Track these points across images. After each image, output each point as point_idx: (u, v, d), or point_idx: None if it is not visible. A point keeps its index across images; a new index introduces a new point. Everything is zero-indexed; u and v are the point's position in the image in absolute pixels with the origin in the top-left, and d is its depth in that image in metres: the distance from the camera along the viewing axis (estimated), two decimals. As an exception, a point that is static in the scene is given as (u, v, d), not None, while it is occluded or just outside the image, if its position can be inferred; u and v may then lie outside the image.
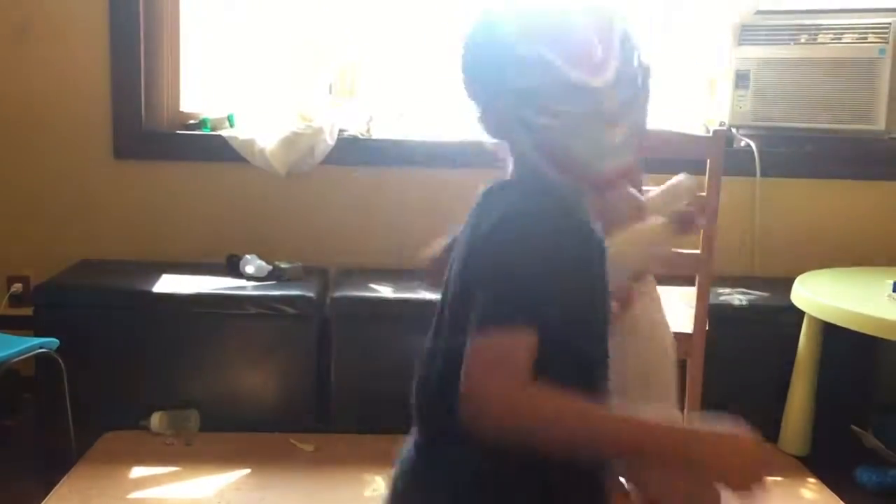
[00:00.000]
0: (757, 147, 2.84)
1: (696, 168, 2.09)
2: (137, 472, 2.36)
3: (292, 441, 2.51)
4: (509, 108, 0.98)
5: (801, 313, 2.49)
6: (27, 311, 2.61)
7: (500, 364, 0.89)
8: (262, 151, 2.74)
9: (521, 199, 1.00)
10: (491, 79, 0.99)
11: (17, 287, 2.85)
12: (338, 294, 2.61)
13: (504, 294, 0.91)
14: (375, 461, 2.22)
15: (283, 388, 2.58)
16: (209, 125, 2.87)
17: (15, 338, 2.29)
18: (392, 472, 1.07)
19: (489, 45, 1.00)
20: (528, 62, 0.96)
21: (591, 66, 0.96)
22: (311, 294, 2.58)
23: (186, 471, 2.36)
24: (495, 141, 1.03)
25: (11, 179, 2.88)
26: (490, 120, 1.02)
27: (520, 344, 0.88)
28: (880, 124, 2.77)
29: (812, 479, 2.44)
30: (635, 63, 0.99)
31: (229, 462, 2.39)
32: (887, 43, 2.74)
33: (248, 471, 2.37)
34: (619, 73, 0.97)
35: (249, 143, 2.77)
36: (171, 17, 2.90)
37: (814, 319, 2.46)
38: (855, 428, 2.55)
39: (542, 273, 0.91)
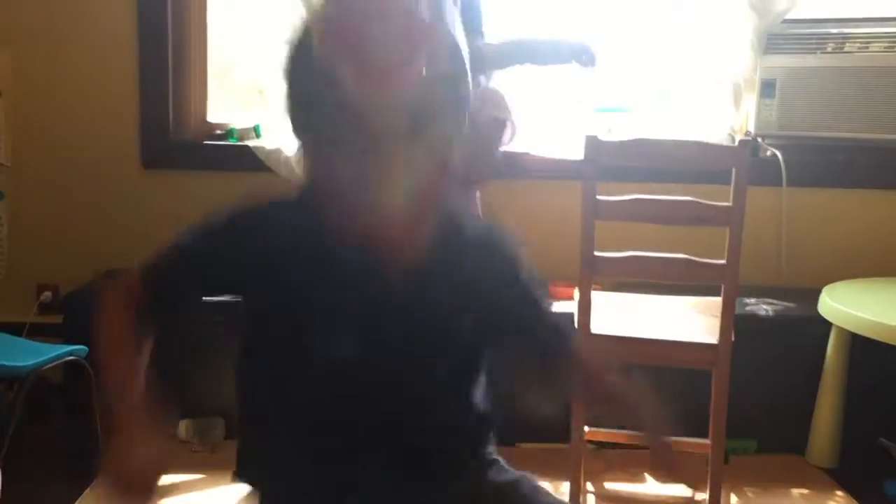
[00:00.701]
0: (783, 156, 2.82)
1: (722, 177, 2.08)
2: (164, 478, 2.36)
3: (317, 449, 2.52)
4: (295, 106, 1.00)
5: (828, 324, 2.47)
6: (57, 318, 2.64)
7: None
8: (287, 161, 2.76)
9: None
10: (288, 73, 0.98)
11: (46, 295, 2.88)
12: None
13: None
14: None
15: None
16: (236, 135, 2.90)
17: (44, 345, 2.32)
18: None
19: (299, 32, 0.97)
20: (315, 60, 0.91)
21: (376, 81, 0.89)
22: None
23: (212, 478, 2.38)
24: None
25: (41, 189, 2.92)
26: (290, 115, 1.02)
27: None
28: (908, 133, 2.74)
29: (840, 492, 2.41)
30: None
31: (254, 470, 2.40)
32: (915, 51, 2.72)
33: (272, 479, 2.38)
34: (412, 97, 0.89)
35: (275, 153, 2.79)
36: (198, 27, 2.93)
37: (841, 330, 2.44)
38: (883, 440, 2.52)
39: None
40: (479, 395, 1.13)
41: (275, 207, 1.06)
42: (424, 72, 0.89)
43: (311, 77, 0.92)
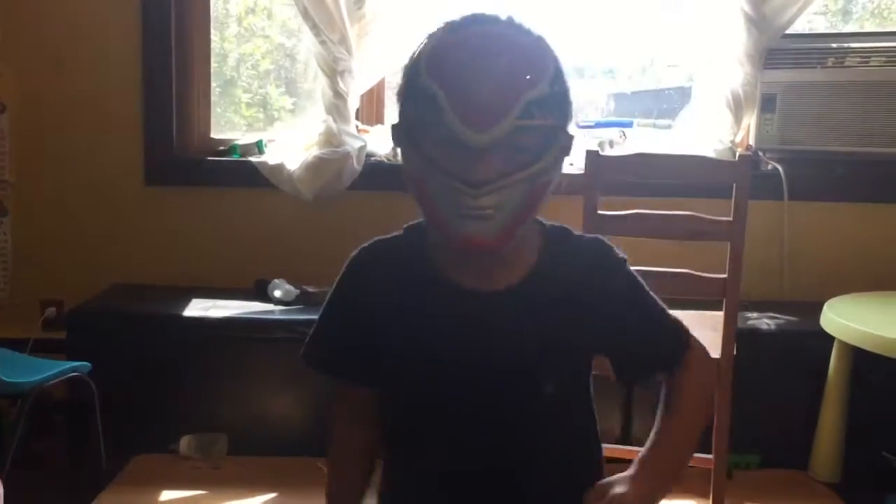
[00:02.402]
0: (784, 170, 2.82)
1: (723, 192, 2.09)
2: (167, 495, 2.38)
3: (320, 465, 2.51)
4: (402, 129, 1.04)
5: (830, 338, 2.46)
6: (60, 334, 2.64)
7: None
8: (290, 177, 2.77)
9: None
10: (402, 96, 1.04)
11: (50, 311, 2.89)
12: (365, 318, 2.62)
13: None
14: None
15: (311, 412, 2.59)
16: (238, 151, 2.91)
17: (48, 361, 2.33)
18: None
19: (413, 59, 1.03)
20: (423, 92, 0.96)
21: (477, 124, 0.93)
22: (338, 318, 2.59)
23: (215, 494, 2.38)
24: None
25: (45, 205, 2.94)
26: (395, 134, 1.06)
27: None
28: (909, 147, 2.75)
29: (843, 507, 2.41)
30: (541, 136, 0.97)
31: (257, 486, 2.41)
32: (915, 66, 2.73)
33: (275, 494, 2.38)
34: (510, 140, 0.94)
35: (278, 169, 2.80)
36: (201, 45, 2.95)
37: (844, 344, 2.44)
38: (887, 455, 2.51)
39: None
40: (589, 426, 1.16)
41: (385, 250, 1.14)
42: (525, 112, 0.93)
43: (416, 104, 0.98)
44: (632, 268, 1.13)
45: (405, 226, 1.13)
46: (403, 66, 1.02)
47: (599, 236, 1.15)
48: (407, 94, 1.01)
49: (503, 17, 1.00)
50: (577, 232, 1.13)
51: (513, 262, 1.05)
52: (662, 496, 1.04)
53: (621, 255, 1.12)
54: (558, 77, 0.98)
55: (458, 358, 1.02)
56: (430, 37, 1.00)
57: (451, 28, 0.99)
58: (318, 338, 1.17)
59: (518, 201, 0.96)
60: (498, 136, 0.92)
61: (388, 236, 1.14)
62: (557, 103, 0.98)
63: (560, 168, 1.02)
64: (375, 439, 1.16)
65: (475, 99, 0.92)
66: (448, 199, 0.96)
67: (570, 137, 1.02)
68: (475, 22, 0.99)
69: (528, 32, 0.99)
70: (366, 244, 1.15)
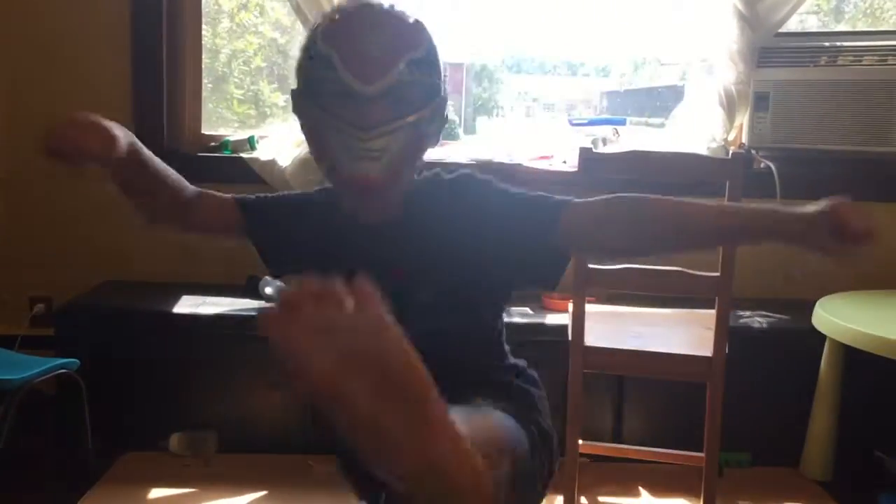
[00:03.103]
0: (777, 169, 2.83)
1: (716, 190, 2.09)
2: (156, 493, 2.36)
3: (310, 462, 2.51)
4: (299, 91, 1.23)
5: (822, 337, 2.47)
6: (49, 331, 2.63)
7: None
8: (281, 173, 2.76)
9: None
10: (299, 63, 1.22)
11: (39, 308, 2.88)
12: (356, 315, 2.61)
13: None
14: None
15: (302, 410, 2.58)
16: (230, 148, 2.90)
17: (36, 358, 2.31)
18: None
19: (310, 32, 1.20)
20: (319, 55, 1.15)
21: (365, 77, 1.11)
22: (329, 315, 2.58)
23: (204, 492, 2.36)
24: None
25: (34, 202, 2.92)
26: (294, 97, 1.25)
27: None
28: (901, 146, 2.76)
29: (835, 505, 2.41)
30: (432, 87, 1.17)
31: (247, 483, 2.40)
32: (907, 65, 2.73)
33: (265, 492, 2.37)
34: (393, 92, 1.12)
35: (269, 165, 2.79)
36: (193, 39, 2.94)
37: (836, 343, 2.44)
38: (878, 453, 2.52)
39: None
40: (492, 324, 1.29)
41: (316, 194, 1.36)
42: (405, 69, 1.12)
43: (313, 65, 1.16)
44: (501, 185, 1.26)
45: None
46: (303, 44, 1.21)
47: (467, 171, 1.28)
48: (305, 61, 1.19)
49: (387, 4, 1.19)
50: (449, 171, 1.30)
51: (396, 200, 1.24)
52: None
53: (486, 177, 1.26)
54: (432, 45, 1.18)
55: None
56: (325, 16, 1.19)
57: (342, 8, 1.19)
58: (256, 194, 1.41)
59: (401, 146, 1.14)
60: (384, 87, 1.11)
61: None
62: (433, 66, 1.17)
63: (438, 125, 1.22)
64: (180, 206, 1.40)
65: (364, 57, 1.12)
66: (342, 144, 1.13)
67: (444, 100, 1.22)
68: (364, 5, 1.18)
69: (407, 13, 1.19)
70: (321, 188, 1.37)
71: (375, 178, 1.14)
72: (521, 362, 1.37)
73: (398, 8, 1.19)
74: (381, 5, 1.18)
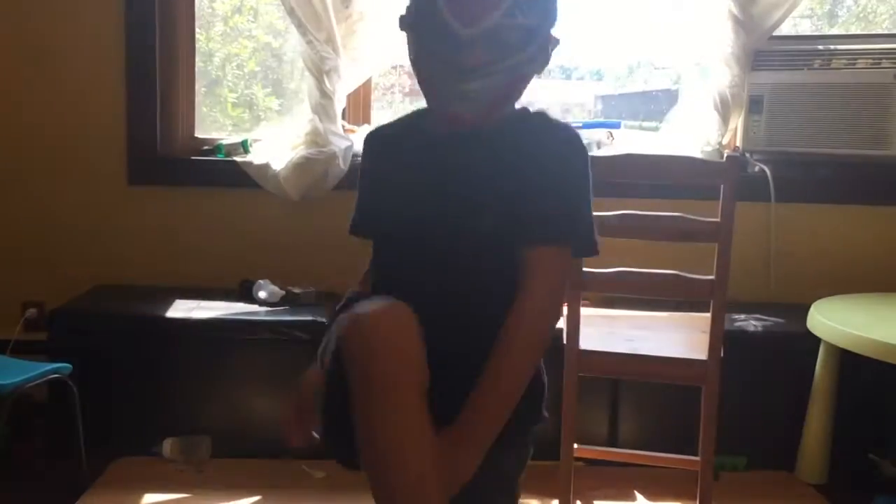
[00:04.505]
0: (771, 172, 2.83)
1: (710, 193, 2.09)
2: (149, 498, 2.35)
3: (304, 467, 2.49)
4: (407, 22, 1.24)
5: (817, 340, 2.47)
6: (41, 336, 2.61)
7: None
8: (275, 177, 2.75)
9: None
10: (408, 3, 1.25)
11: (31, 312, 2.86)
12: (350, 319, 2.60)
13: None
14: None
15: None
16: (223, 151, 2.89)
17: (28, 363, 2.29)
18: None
19: None
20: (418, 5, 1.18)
21: (465, 18, 1.12)
22: (323, 319, 2.57)
23: (197, 497, 2.35)
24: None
25: (27, 205, 2.91)
26: (401, 24, 1.27)
27: None
28: (894, 149, 2.76)
29: (830, 509, 2.41)
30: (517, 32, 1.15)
31: (241, 488, 2.38)
32: (901, 68, 2.73)
33: (259, 497, 2.36)
34: (493, 34, 1.13)
35: (263, 169, 2.78)
36: (186, 43, 2.93)
37: (830, 346, 2.44)
38: (873, 456, 2.52)
39: None
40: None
41: (385, 128, 1.38)
42: (505, 13, 1.12)
43: (422, 16, 1.19)
44: (590, 168, 1.26)
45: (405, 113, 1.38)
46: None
47: (573, 133, 1.26)
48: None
49: None
50: (557, 118, 1.28)
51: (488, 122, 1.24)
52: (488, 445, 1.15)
53: (582, 152, 1.25)
54: None
55: (430, 187, 1.23)
56: None
57: None
58: (355, 210, 1.43)
59: (498, 88, 1.15)
60: (481, 30, 1.11)
61: (394, 120, 1.39)
62: (535, 9, 1.17)
63: (539, 64, 1.21)
64: None
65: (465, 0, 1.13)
66: (440, 80, 1.15)
67: (551, 38, 1.21)
68: None
69: None
70: (372, 128, 1.39)
71: (469, 118, 1.16)
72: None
73: None
74: None
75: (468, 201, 1.20)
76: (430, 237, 1.21)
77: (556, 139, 1.24)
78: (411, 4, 1.22)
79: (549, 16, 1.19)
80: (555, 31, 1.21)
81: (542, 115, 1.27)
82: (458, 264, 1.21)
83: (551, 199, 1.21)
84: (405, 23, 1.23)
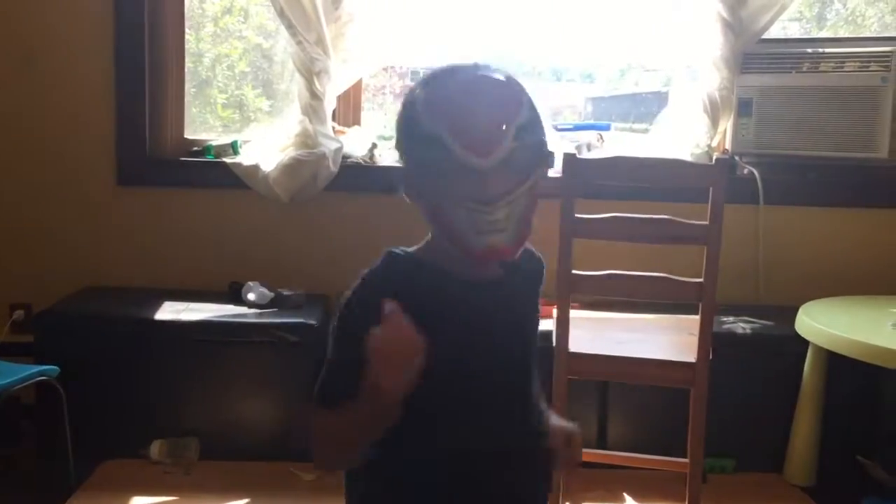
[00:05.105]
0: (760, 175, 2.84)
1: (699, 195, 2.09)
2: (136, 501, 2.34)
3: (292, 470, 2.49)
4: (410, 173, 1.16)
5: (805, 342, 2.47)
6: (28, 338, 2.60)
7: None
8: (265, 178, 2.74)
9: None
10: (402, 145, 1.18)
11: (18, 314, 2.85)
12: (340, 321, 2.60)
13: None
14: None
15: (284, 417, 2.57)
16: (213, 152, 2.88)
17: (15, 365, 2.28)
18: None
19: (406, 111, 1.16)
20: (426, 136, 1.11)
21: (480, 150, 1.09)
22: (313, 321, 2.57)
23: (185, 500, 2.34)
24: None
25: (14, 205, 2.89)
26: (405, 180, 1.17)
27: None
28: (883, 152, 2.77)
29: (818, 511, 2.41)
30: (530, 152, 1.13)
31: (229, 491, 2.38)
32: (889, 71, 2.74)
33: (247, 500, 2.35)
34: (509, 160, 1.10)
35: (253, 170, 2.77)
36: (176, 44, 2.92)
37: (818, 349, 2.45)
38: (861, 458, 2.53)
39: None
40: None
41: (397, 272, 1.20)
42: (515, 135, 1.11)
43: (422, 145, 1.13)
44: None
45: (387, 253, 1.21)
46: (397, 122, 1.18)
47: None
48: (408, 143, 1.16)
49: (474, 63, 1.17)
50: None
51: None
52: None
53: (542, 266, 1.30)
54: (531, 102, 1.16)
55: (468, 341, 1.17)
56: (418, 87, 1.16)
57: (434, 79, 1.16)
58: (332, 381, 1.17)
59: (523, 210, 1.14)
60: (500, 157, 1.10)
61: (374, 269, 1.20)
62: (537, 125, 1.16)
63: (545, 178, 1.19)
64: None
65: (474, 132, 1.10)
66: (467, 219, 1.12)
67: (550, 152, 1.22)
68: (454, 72, 1.16)
69: (499, 71, 1.16)
70: (356, 287, 1.19)
71: (506, 249, 1.14)
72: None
73: (485, 67, 1.17)
74: (474, 70, 1.17)
75: (505, 349, 1.22)
76: (476, 388, 1.20)
77: (538, 272, 1.31)
78: (408, 155, 1.17)
79: (544, 130, 1.20)
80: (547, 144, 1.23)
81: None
82: (512, 417, 1.23)
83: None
84: (411, 175, 1.16)
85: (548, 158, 1.20)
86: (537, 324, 1.31)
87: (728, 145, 2.92)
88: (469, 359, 1.17)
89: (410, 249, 1.23)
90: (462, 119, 1.11)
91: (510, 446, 1.20)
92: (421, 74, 1.20)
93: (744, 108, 2.84)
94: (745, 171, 2.86)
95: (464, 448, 1.17)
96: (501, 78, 1.16)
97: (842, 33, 3.21)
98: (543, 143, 1.18)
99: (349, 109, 3.03)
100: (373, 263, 1.20)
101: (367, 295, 1.15)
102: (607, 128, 3.03)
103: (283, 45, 3.02)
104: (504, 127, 1.11)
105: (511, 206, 1.12)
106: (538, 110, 1.18)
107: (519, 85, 1.18)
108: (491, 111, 1.12)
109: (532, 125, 1.15)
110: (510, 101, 1.14)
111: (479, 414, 1.19)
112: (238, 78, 3.15)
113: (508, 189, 1.12)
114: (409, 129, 1.16)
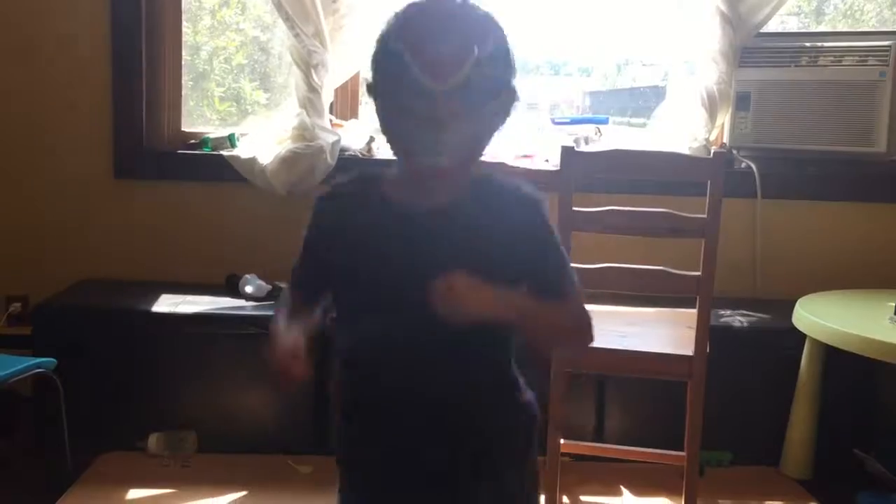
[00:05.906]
0: (758, 168, 2.84)
1: (697, 189, 2.09)
2: (134, 493, 2.34)
3: (290, 463, 2.49)
4: (375, 79, 1.23)
5: (802, 336, 2.48)
6: (26, 330, 2.60)
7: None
8: (262, 171, 2.74)
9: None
10: (374, 53, 1.23)
11: (15, 307, 2.84)
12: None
13: None
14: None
15: (282, 410, 2.57)
16: (210, 144, 2.87)
17: (12, 358, 2.27)
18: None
19: (386, 26, 1.21)
20: (391, 51, 1.17)
21: (436, 73, 1.14)
22: (310, 314, 2.56)
23: (183, 492, 2.34)
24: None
25: (11, 198, 2.88)
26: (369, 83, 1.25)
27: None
28: (881, 146, 2.77)
29: (814, 504, 2.42)
30: (495, 79, 1.18)
31: (226, 484, 2.38)
32: (887, 66, 2.74)
33: (245, 492, 2.35)
34: (464, 88, 1.15)
35: (250, 163, 2.77)
36: (173, 36, 2.91)
37: (815, 342, 2.45)
38: (857, 452, 2.53)
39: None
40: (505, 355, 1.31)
41: (339, 195, 1.34)
42: (474, 65, 1.15)
43: (386, 61, 1.19)
44: (550, 221, 1.30)
45: (357, 173, 1.34)
46: (376, 38, 1.23)
47: (536, 197, 1.29)
48: (378, 56, 1.22)
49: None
50: (501, 178, 1.32)
51: (454, 189, 1.25)
52: (504, 312, 1.20)
53: (544, 214, 1.29)
54: (502, 40, 1.21)
55: (398, 267, 1.23)
56: (396, 12, 1.21)
57: (413, 4, 1.22)
58: (294, 274, 1.44)
59: (471, 137, 1.20)
60: (454, 84, 1.14)
61: (344, 181, 1.34)
62: (502, 60, 1.20)
63: (503, 117, 1.24)
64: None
65: (434, 55, 1.15)
66: (415, 137, 1.17)
67: (514, 92, 1.24)
68: (435, 1, 1.23)
69: (477, 8, 1.21)
70: (323, 193, 1.36)
71: (446, 170, 1.19)
72: (528, 394, 1.36)
73: (468, 2, 1.22)
74: (452, 0, 1.22)
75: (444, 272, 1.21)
76: (412, 315, 1.20)
77: (528, 211, 1.29)
78: (376, 72, 1.24)
79: (511, 67, 1.24)
80: (515, 84, 1.25)
81: (496, 183, 1.30)
82: (447, 333, 1.20)
83: (550, 270, 1.28)
84: (374, 90, 1.24)
85: (507, 94, 1.23)
86: (515, 264, 1.25)
87: (726, 139, 2.92)
88: (391, 290, 1.23)
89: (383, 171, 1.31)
90: (424, 42, 1.16)
91: (435, 394, 1.24)
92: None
93: (742, 102, 2.84)
94: (743, 164, 2.87)
95: (385, 375, 1.27)
96: (479, 12, 1.21)
97: (840, 28, 3.21)
98: (505, 80, 1.22)
99: (347, 102, 3.02)
100: (340, 179, 1.34)
101: (317, 220, 1.35)
102: (605, 121, 3.03)
103: (280, 38, 3.01)
104: (464, 55, 1.15)
105: (462, 129, 1.17)
106: (510, 49, 1.22)
107: (493, 21, 1.22)
108: (455, 39, 1.17)
109: (497, 60, 1.19)
110: (477, 32, 1.18)
111: (401, 352, 1.25)
112: (235, 71, 3.14)
113: (456, 114, 1.15)
114: (382, 41, 1.22)
